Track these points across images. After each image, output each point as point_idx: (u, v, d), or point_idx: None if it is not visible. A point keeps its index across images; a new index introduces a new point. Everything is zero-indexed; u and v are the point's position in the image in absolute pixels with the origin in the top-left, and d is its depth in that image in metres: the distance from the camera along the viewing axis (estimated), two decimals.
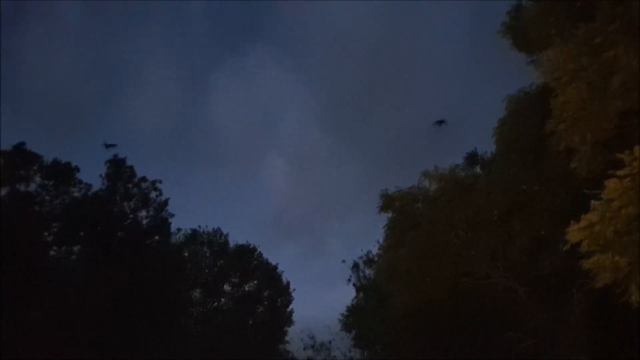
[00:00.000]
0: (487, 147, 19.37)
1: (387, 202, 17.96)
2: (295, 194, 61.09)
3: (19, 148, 25.77)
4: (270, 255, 34.69)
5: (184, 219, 33.94)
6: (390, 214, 18.15)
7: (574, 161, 10.11)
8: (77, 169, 27.32)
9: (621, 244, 7.85)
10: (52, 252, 26.28)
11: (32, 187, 25.97)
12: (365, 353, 28.92)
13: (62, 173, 26.86)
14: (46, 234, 25.91)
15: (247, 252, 33.99)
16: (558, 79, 9.57)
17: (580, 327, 14.05)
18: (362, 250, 29.70)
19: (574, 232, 8.12)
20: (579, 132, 9.61)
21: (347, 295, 29.18)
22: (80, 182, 27.23)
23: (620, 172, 7.73)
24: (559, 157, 10.87)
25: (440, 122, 22.49)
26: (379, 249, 21.70)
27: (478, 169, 19.34)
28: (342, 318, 27.85)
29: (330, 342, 31.17)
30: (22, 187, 25.68)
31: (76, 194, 27.10)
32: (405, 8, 50.29)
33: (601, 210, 7.87)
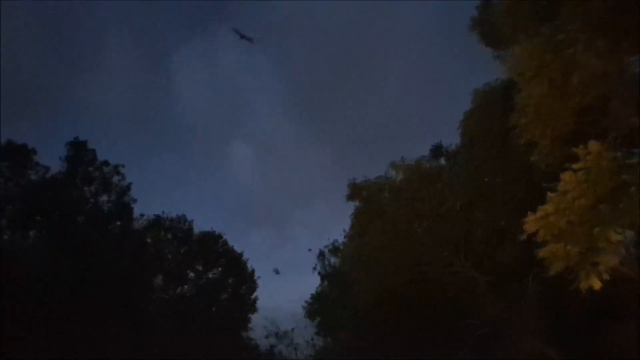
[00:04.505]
0: (452, 139, 19.86)
1: (354, 191, 18.17)
2: (261, 181, 60.73)
3: None
4: (237, 243, 34.55)
5: (148, 204, 33.30)
6: (356, 203, 18.37)
7: (534, 154, 10.41)
8: (34, 151, 26.29)
9: (573, 234, 8.20)
10: (5, 237, 25.20)
11: None
12: (328, 340, 29.26)
13: (18, 155, 25.71)
14: None
15: (211, 239, 33.63)
16: (522, 75, 9.82)
17: (534, 314, 14.69)
18: (328, 239, 29.95)
19: (530, 223, 8.43)
20: (539, 126, 9.89)
21: (313, 283, 29.41)
22: (37, 164, 26.21)
23: (575, 166, 8.08)
24: (521, 150, 11.18)
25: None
26: (345, 237, 21.95)
27: (443, 161, 19.78)
28: (306, 306, 28.07)
29: (293, 330, 31.37)
30: None
31: (33, 177, 26.06)
32: None
33: (556, 201, 8.19)
